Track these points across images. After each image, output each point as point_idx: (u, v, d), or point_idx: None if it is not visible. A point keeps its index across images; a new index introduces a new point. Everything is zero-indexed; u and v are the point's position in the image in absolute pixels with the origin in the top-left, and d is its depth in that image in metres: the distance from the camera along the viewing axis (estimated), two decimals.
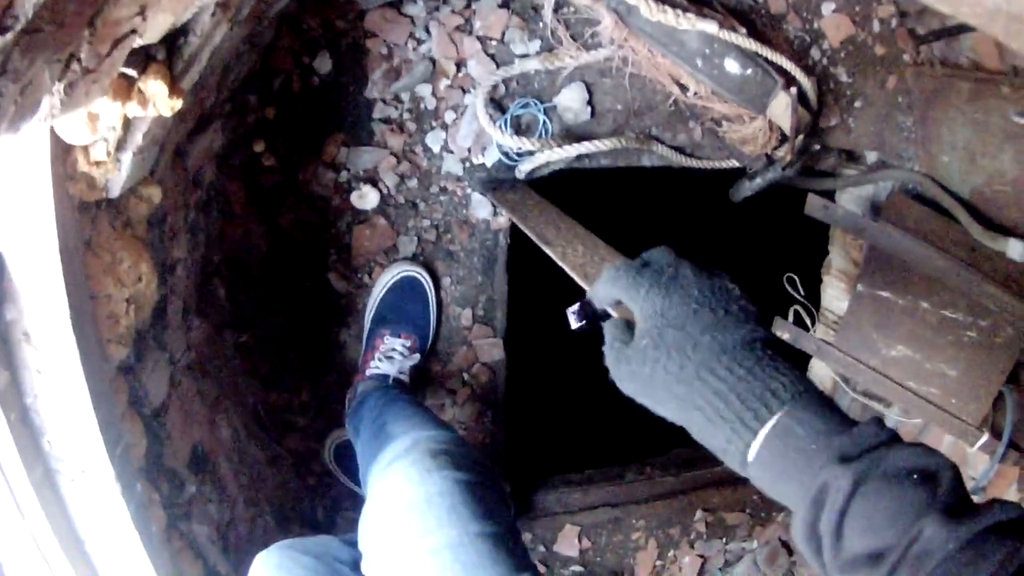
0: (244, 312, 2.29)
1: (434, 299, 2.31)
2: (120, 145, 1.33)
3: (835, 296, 2.81)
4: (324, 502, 2.53)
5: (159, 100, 1.16)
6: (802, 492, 0.84)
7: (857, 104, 2.36)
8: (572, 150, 2.13)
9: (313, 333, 2.38)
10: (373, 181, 2.22)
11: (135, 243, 1.51)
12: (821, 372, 2.96)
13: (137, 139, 1.34)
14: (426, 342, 2.34)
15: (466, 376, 2.48)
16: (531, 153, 2.16)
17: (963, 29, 2.20)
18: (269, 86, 2.10)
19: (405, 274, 2.26)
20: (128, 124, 1.31)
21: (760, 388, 0.87)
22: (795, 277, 2.54)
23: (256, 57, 1.98)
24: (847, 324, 2.40)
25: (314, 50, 2.11)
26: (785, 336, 2.55)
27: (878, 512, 0.80)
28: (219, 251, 2.17)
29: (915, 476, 0.80)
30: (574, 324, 1.12)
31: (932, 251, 2.20)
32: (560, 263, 1.59)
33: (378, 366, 2.26)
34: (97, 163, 1.32)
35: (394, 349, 2.27)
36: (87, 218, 1.37)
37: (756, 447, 0.87)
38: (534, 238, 1.85)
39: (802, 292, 2.55)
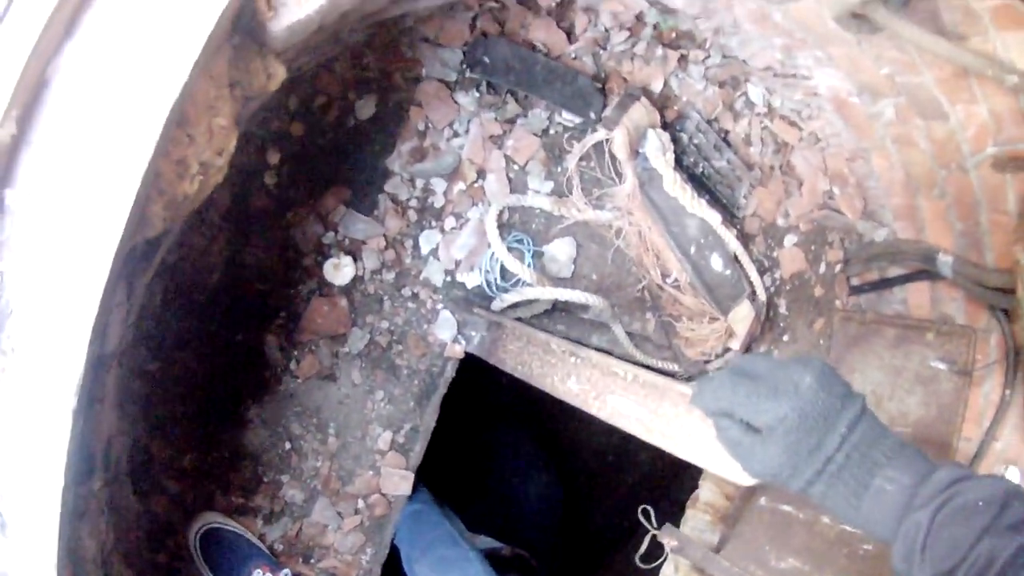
0: (165, 336, 1.99)
1: None
2: None
3: (697, 527, 2.86)
4: None
5: None
6: (894, 535, 1.03)
7: (785, 338, 2.58)
8: (564, 294, 2.12)
9: (223, 396, 2.10)
10: (355, 256, 2.10)
11: (234, 114, 1.31)
12: None
13: None
14: None
15: (361, 503, 2.23)
16: (515, 287, 2.16)
17: (897, 281, 2.50)
18: (310, 101, 1.98)
19: None
20: None
21: (867, 463, 1.05)
22: (650, 509, 2.58)
23: (315, 65, 1.89)
24: (739, 535, 2.45)
25: (363, 91, 2.04)
26: (672, 543, 2.56)
27: (948, 540, 0.97)
28: (176, 252, 1.91)
29: (980, 504, 0.97)
30: None
31: None
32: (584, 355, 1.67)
33: None
34: None
35: None
36: (226, 40, 1.22)
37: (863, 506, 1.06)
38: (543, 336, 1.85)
39: (655, 524, 2.58)
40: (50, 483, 1.11)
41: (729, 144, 2.41)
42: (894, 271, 2.56)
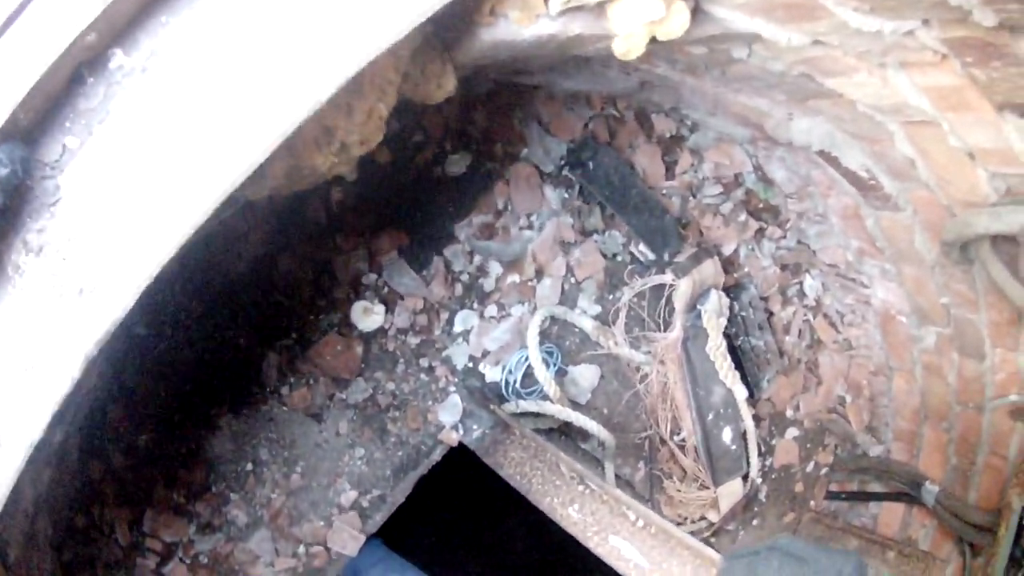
0: (165, 305, 1.88)
1: None
2: None
3: None
4: None
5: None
6: None
7: (755, 522, 2.56)
8: (583, 421, 2.08)
9: (201, 392, 1.99)
10: (388, 307, 2.01)
11: (391, 109, 1.15)
12: None
13: None
14: None
15: (302, 549, 2.12)
16: (530, 395, 2.10)
17: (875, 497, 2.51)
18: (408, 134, 1.90)
19: None
20: None
21: None
22: None
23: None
24: None
25: (461, 145, 1.98)
26: None
27: None
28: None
29: None
30: None
31: None
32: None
33: None
34: None
35: None
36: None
37: None
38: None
39: None
40: (26, 431, 0.99)
41: (771, 326, 2.40)
42: (875, 487, 2.58)
